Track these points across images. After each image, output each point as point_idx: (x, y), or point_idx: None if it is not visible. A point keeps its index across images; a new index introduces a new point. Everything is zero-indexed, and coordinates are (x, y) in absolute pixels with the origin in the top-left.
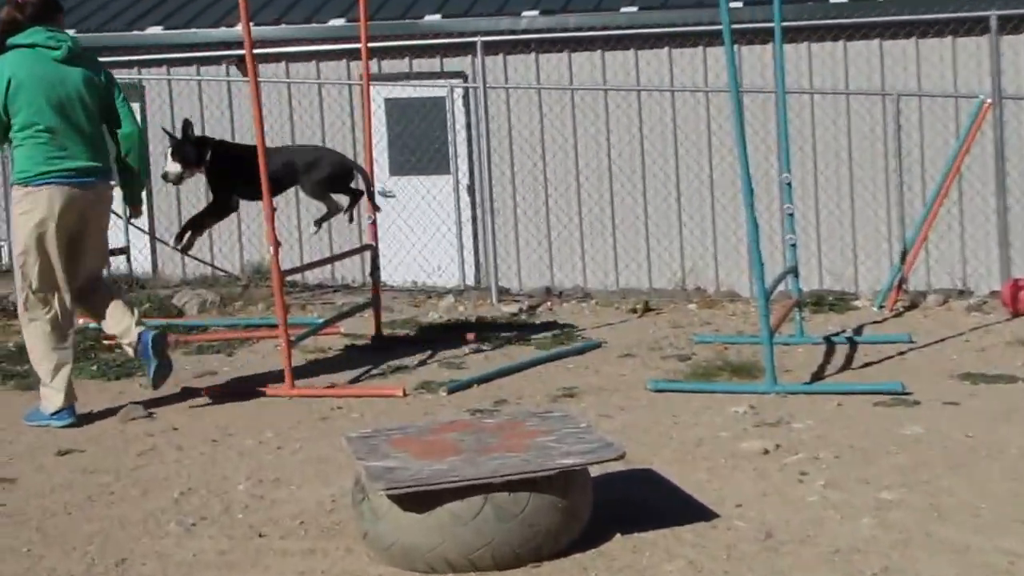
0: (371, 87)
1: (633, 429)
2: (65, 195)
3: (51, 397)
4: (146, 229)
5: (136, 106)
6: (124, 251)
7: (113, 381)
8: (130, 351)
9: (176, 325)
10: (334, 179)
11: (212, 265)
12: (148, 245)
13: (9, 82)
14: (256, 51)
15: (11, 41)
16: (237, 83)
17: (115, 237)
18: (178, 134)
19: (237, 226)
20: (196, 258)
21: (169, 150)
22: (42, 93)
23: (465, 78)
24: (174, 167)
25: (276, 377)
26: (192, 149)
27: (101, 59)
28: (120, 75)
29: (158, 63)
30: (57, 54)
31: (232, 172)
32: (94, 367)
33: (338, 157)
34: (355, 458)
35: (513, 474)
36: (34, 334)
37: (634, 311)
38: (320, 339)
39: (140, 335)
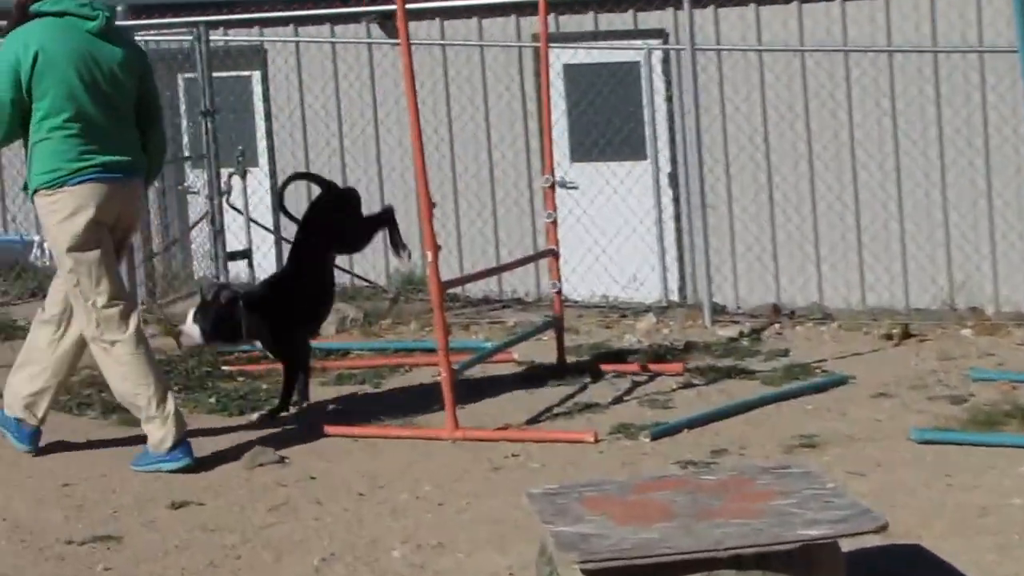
0: (548, 50)
1: (894, 492)
2: (104, 194)
3: (158, 433)
4: (271, 227)
5: (256, 74)
6: (246, 254)
7: (235, 416)
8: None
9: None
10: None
11: (352, 273)
12: (273, 247)
13: (36, 56)
14: (408, 6)
15: (35, 7)
16: (380, 46)
17: (235, 238)
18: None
19: None
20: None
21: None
22: (75, 72)
23: (666, 38)
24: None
25: (435, 415)
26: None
27: (214, 17)
28: (239, 36)
29: (283, 22)
30: (92, 25)
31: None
32: (212, 399)
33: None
34: (540, 521)
35: (743, 547)
36: (119, 359)
37: (889, 337)
38: (488, 367)
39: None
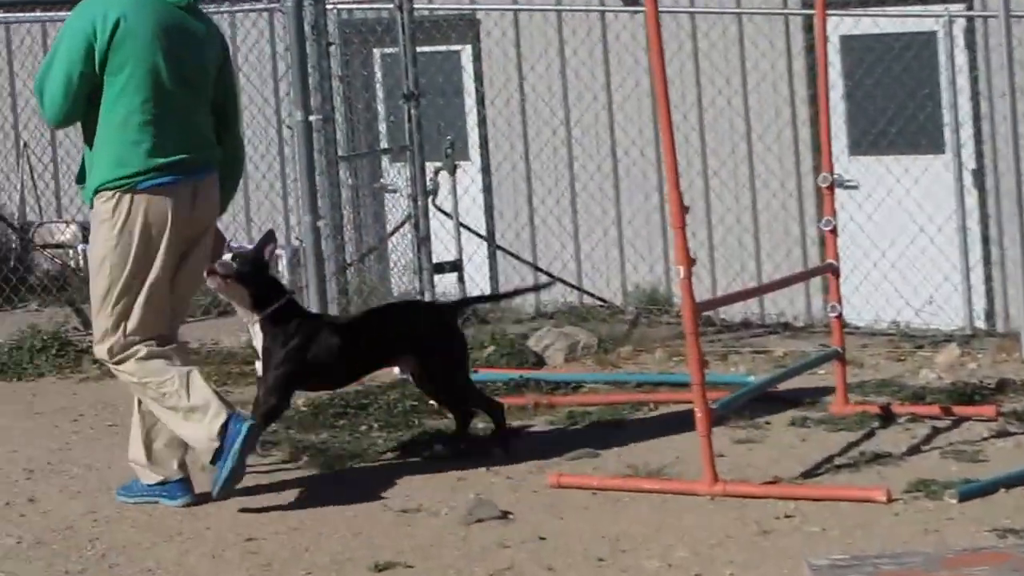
0: (825, 18)
1: None
2: (177, 203)
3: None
4: (484, 234)
5: (467, 50)
6: (456, 266)
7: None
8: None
9: (535, 380)
10: None
11: (582, 290)
12: (487, 258)
13: (117, 25)
14: None
15: None
16: (616, 15)
17: (444, 246)
18: None
19: (618, 237)
20: (562, 280)
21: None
22: (160, 48)
23: (970, 2)
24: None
25: (688, 465)
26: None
27: None
28: (447, 4)
29: None
30: None
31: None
32: (413, 436)
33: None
34: None
35: None
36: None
37: None
38: (752, 407)
39: (230, 420)
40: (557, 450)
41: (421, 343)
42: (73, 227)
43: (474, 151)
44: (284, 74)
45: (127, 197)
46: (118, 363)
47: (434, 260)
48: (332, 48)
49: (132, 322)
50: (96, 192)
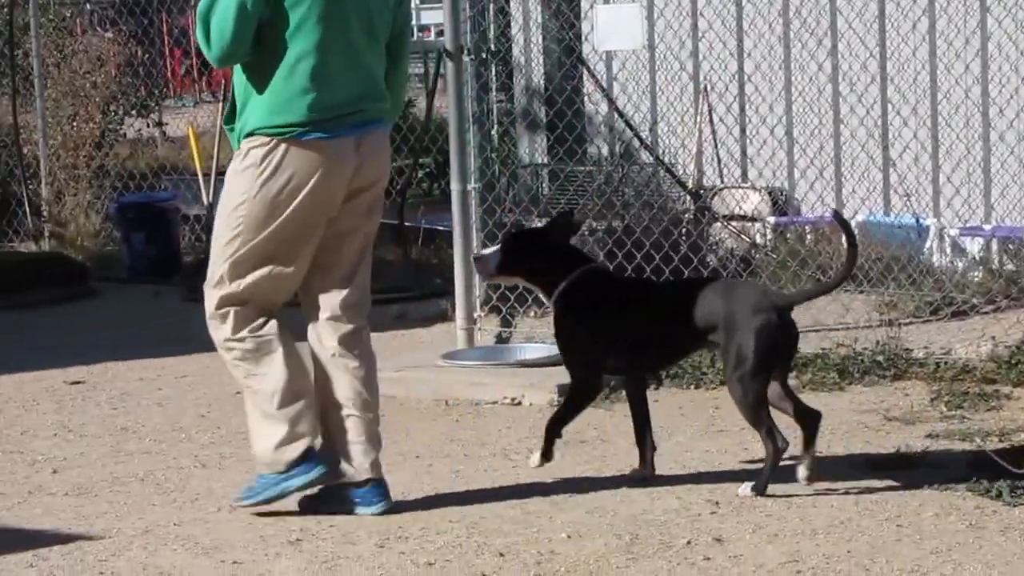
0: None
1: None
2: (339, 161)
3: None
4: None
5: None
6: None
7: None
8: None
9: None
10: None
11: None
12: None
13: None
14: None
15: None
16: None
17: None
18: None
19: None
20: None
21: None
22: None
23: None
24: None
25: None
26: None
27: None
28: None
29: None
30: None
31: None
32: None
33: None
34: None
35: None
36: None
37: None
38: None
39: (308, 454)
40: None
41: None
42: (758, 195)
43: None
44: None
45: (281, 148)
46: (221, 319)
47: None
48: None
49: (247, 282)
50: (248, 136)
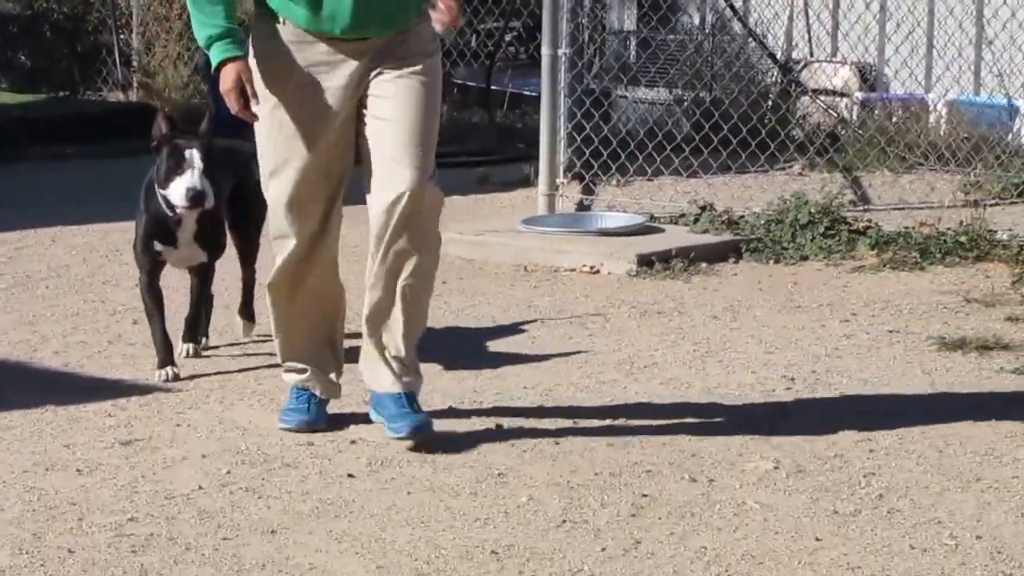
0: None
1: None
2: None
3: None
4: None
5: None
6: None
7: None
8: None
9: None
10: None
11: None
12: None
13: None
14: None
15: None
16: None
17: None
18: None
19: None
20: None
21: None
22: None
23: None
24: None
25: None
26: None
27: None
28: None
29: None
30: None
31: None
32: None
33: None
34: None
35: None
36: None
37: None
38: None
39: None
40: None
41: None
42: (848, 69)
43: None
44: None
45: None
46: (427, 213)
47: None
48: None
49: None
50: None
